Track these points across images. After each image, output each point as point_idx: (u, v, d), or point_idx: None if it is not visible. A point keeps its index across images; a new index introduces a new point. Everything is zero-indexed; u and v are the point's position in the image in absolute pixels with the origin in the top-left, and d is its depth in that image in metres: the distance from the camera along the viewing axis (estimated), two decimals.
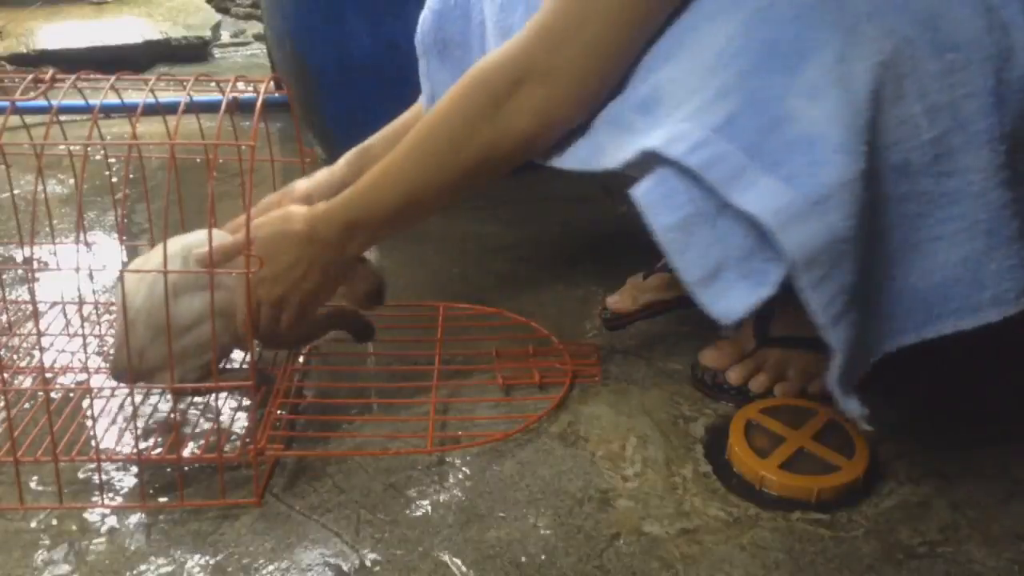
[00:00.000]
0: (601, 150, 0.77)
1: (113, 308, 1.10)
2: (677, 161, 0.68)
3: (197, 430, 0.90)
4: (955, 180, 0.67)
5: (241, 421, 0.92)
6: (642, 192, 0.70)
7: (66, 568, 0.73)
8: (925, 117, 0.66)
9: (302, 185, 1.02)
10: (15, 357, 1.01)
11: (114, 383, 0.93)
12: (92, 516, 0.79)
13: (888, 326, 0.70)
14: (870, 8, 0.67)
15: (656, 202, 0.70)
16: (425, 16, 1.01)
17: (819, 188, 0.63)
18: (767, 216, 0.64)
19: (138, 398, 0.93)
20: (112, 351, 0.84)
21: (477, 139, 0.79)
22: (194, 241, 0.85)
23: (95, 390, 0.95)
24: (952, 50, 0.66)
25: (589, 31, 0.74)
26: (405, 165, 0.82)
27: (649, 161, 0.71)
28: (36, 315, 0.85)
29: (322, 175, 1.05)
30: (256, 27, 2.65)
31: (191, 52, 2.39)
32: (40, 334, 0.97)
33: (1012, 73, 0.67)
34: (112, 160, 1.46)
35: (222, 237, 0.84)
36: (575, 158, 0.80)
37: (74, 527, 0.78)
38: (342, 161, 1.07)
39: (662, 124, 0.71)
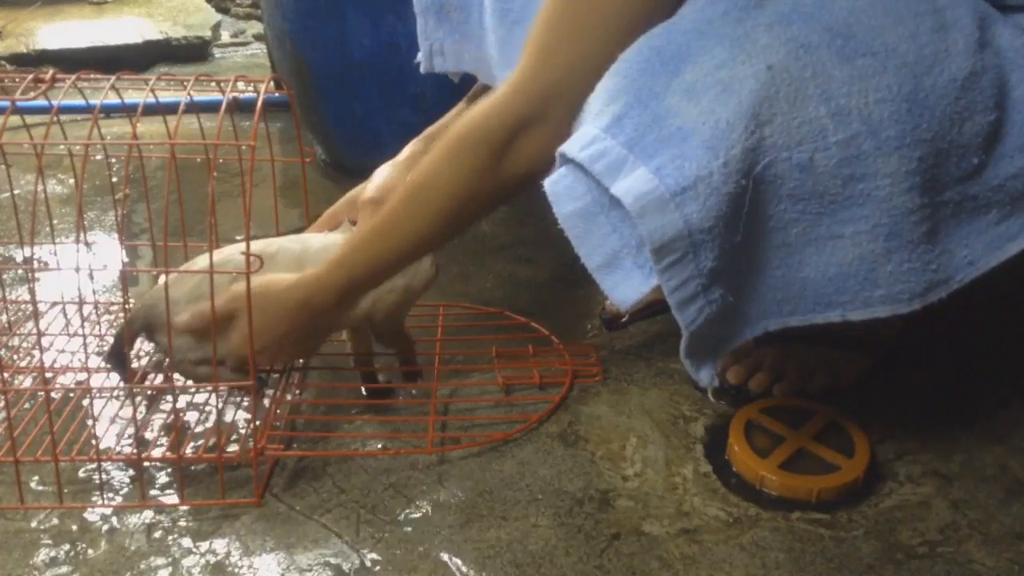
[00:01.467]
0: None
1: (113, 308, 1.10)
2: (572, 158, 0.71)
3: (197, 430, 0.90)
4: (863, 184, 0.68)
5: (241, 421, 0.92)
6: (549, 183, 0.73)
7: (66, 568, 0.73)
8: (831, 120, 0.67)
9: (369, 191, 1.02)
10: (15, 357, 1.01)
11: (114, 383, 0.93)
12: (92, 516, 0.79)
13: (776, 308, 0.73)
14: (773, 19, 0.69)
15: (560, 192, 0.72)
16: None
17: (680, 180, 0.66)
18: (629, 202, 0.66)
19: (138, 399, 0.93)
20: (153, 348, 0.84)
21: (480, 192, 0.80)
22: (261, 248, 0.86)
23: (95, 390, 0.95)
24: (865, 55, 0.67)
25: (579, 51, 0.75)
26: (406, 224, 0.82)
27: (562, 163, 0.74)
28: (36, 315, 0.85)
29: (385, 175, 1.04)
30: (256, 27, 2.65)
31: (191, 52, 2.39)
32: (40, 334, 0.97)
33: (939, 78, 0.68)
34: (112, 160, 1.46)
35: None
36: None
37: (74, 527, 0.78)
38: (405, 154, 1.07)
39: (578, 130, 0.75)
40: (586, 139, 0.70)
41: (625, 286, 0.71)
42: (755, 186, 0.67)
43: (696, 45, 0.70)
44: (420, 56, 1.07)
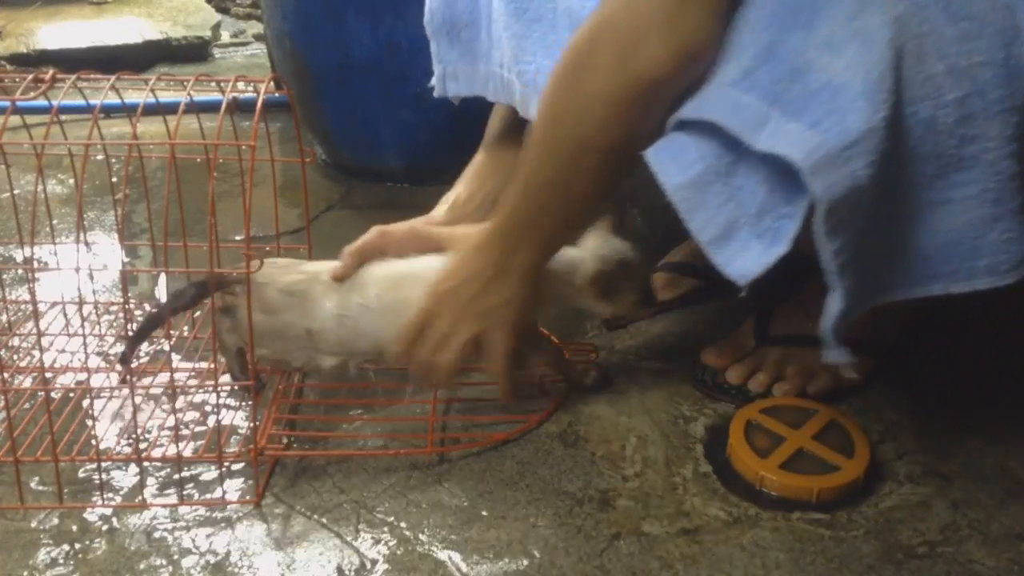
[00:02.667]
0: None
1: (113, 308, 1.10)
2: (694, 119, 0.68)
3: (197, 430, 0.90)
4: (974, 145, 0.66)
5: (241, 421, 0.92)
6: (653, 153, 0.70)
7: (66, 568, 0.73)
8: (948, 77, 0.65)
9: (440, 210, 1.00)
10: (15, 357, 1.01)
11: (114, 383, 0.93)
12: (92, 516, 0.79)
13: (883, 280, 0.70)
14: None
15: (666, 161, 0.69)
16: None
17: (846, 134, 0.63)
18: (799, 158, 0.63)
19: (138, 398, 0.93)
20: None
21: (613, 94, 0.72)
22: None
23: (95, 390, 0.95)
24: (966, 19, 0.66)
25: None
26: (540, 148, 0.77)
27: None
28: (36, 315, 0.85)
29: (455, 196, 1.02)
30: (256, 27, 2.65)
31: (191, 52, 2.39)
32: (40, 334, 0.97)
33: (1021, 49, 0.66)
34: (112, 160, 1.46)
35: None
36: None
37: (74, 527, 0.78)
38: (456, 197, 1.03)
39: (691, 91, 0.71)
40: (709, 96, 0.67)
41: (742, 259, 0.68)
42: (889, 153, 0.65)
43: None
44: (434, 80, 1.04)
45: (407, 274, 0.85)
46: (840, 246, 0.65)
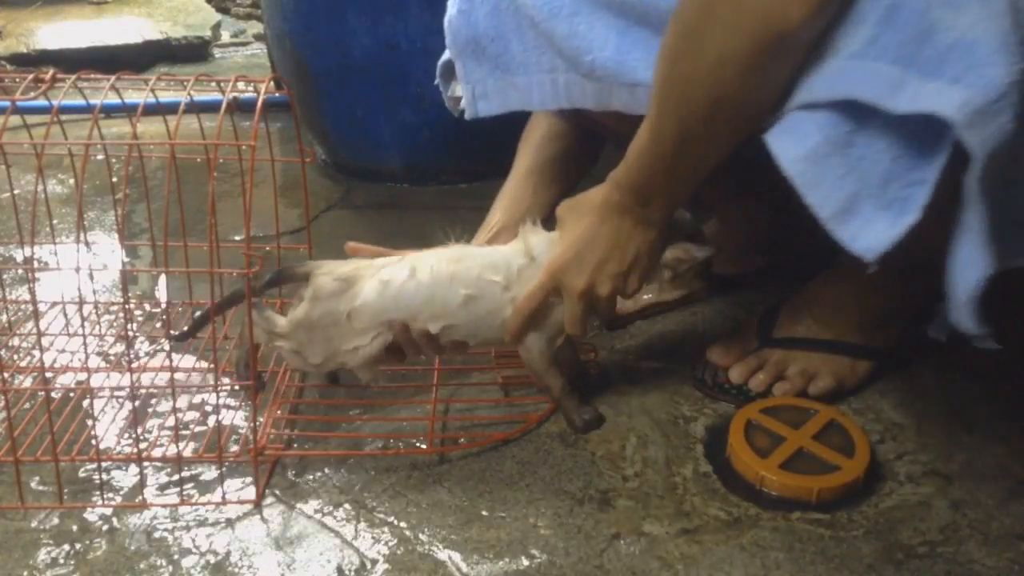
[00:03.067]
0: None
1: (113, 308, 1.10)
2: (820, 100, 0.66)
3: (197, 430, 0.90)
4: None
5: (241, 421, 0.92)
6: (771, 132, 0.69)
7: (66, 568, 0.73)
8: None
9: (495, 217, 1.01)
10: (15, 357, 1.01)
11: (114, 383, 0.93)
12: (92, 516, 0.79)
13: (1006, 246, 0.67)
14: None
15: (781, 136, 0.68)
16: (452, 18, 0.93)
17: (992, 88, 0.60)
18: (951, 112, 0.60)
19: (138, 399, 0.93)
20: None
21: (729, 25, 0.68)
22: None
23: (95, 390, 0.95)
24: None
25: None
26: (666, 110, 0.75)
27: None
28: (36, 315, 0.85)
29: (504, 203, 1.02)
30: (256, 27, 2.65)
31: (191, 52, 2.39)
32: (40, 334, 0.97)
33: None
34: (112, 160, 1.46)
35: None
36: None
37: (74, 527, 0.78)
38: (515, 179, 1.03)
39: (804, 69, 0.69)
40: (838, 71, 0.65)
41: (868, 234, 0.65)
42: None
43: None
44: (463, 103, 0.97)
45: (466, 253, 0.86)
46: (990, 203, 0.62)
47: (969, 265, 0.63)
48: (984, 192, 0.62)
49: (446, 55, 0.96)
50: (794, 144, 0.68)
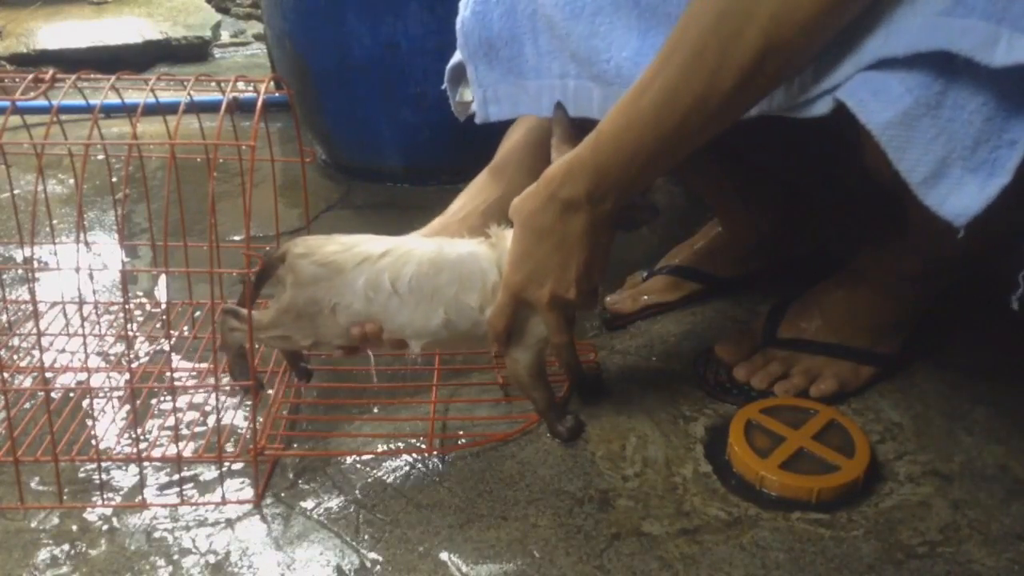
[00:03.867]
0: (778, 91, 0.72)
1: (113, 308, 1.10)
2: (906, 55, 0.64)
3: (197, 430, 0.90)
4: None
5: (241, 421, 0.92)
6: (849, 92, 0.67)
7: (66, 568, 0.73)
8: None
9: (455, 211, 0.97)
10: (15, 357, 1.01)
11: (113, 383, 0.93)
12: (92, 516, 0.79)
13: None
14: None
15: (868, 99, 0.66)
16: (465, 20, 0.90)
17: None
18: None
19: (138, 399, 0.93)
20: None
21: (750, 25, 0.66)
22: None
23: (95, 390, 0.95)
24: None
25: None
26: (658, 82, 0.70)
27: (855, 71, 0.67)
28: (36, 315, 0.85)
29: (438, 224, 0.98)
30: (256, 27, 2.65)
31: (191, 52, 2.39)
32: (40, 334, 0.97)
33: None
34: (112, 160, 1.46)
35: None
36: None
37: (74, 527, 0.78)
38: (483, 179, 1.00)
39: (858, 33, 0.67)
40: (925, 27, 0.63)
41: (957, 197, 0.64)
42: None
43: None
44: (474, 106, 0.93)
45: (445, 261, 0.83)
46: None
47: None
48: None
49: (455, 59, 0.94)
50: (884, 107, 0.65)
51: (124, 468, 0.85)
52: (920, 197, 0.66)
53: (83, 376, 0.96)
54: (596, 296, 0.86)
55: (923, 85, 0.65)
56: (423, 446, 0.87)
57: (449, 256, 0.83)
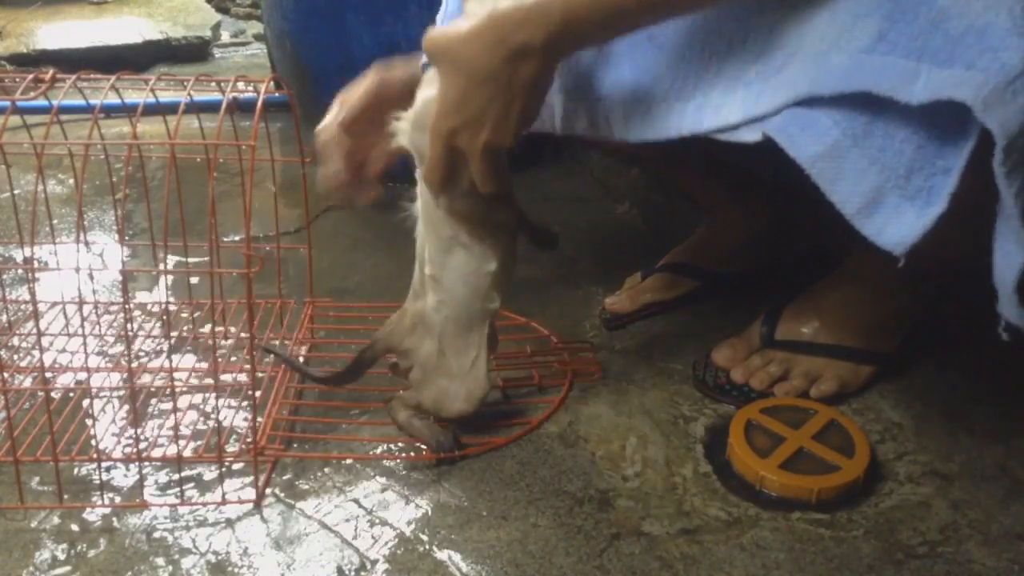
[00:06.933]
0: (708, 111, 0.73)
1: (113, 308, 1.10)
2: (831, 95, 0.65)
3: (197, 430, 0.90)
4: None
5: (241, 421, 0.92)
6: (777, 129, 0.68)
7: (66, 568, 0.73)
8: None
9: (338, 117, 0.95)
10: (15, 357, 1.01)
11: (113, 383, 0.93)
12: (92, 516, 0.79)
13: None
14: None
15: (796, 134, 0.67)
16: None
17: (1007, 68, 0.60)
18: (968, 96, 0.59)
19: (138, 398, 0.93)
20: None
21: None
22: None
23: (95, 390, 0.95)
24: None
25: None
26: None
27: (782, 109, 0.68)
28: (36, 315, 0.85)
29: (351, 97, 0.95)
30: (256, 27, 2.65)
31: (191, 52, 2.39)
32: (40, 334, 0.97)
33: None
34: (112, 160, 1.46)
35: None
36: (670, 125, 0.75)
37: (74, 527, 0.78)
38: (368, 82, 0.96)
39: (787, 67, 0.68)
40: (846, 65, 0.64)
41: (895, 226, 0.64)
42: None
43: None
44: None
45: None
46: (1019, 189, 0.60)
47: (1007, 255, 0.61)
48: (1014, 174, 0.60)
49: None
50: (812, 141, 0.66)
51: (124, 468, 0.85)
52: (857, 227, 0.66)
53: (83, 376, 0.96)
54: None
55: (850, 117, 0.65)
56: (423, 446, 0.87)
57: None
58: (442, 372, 0.86)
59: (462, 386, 0.85)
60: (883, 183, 0.64)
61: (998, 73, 0.60)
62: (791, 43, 0.70)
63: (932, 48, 0.62)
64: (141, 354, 1.03)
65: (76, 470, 0.84)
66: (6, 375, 0.90)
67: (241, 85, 0.88)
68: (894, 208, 0.64)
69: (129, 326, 0.92)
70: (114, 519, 0.79)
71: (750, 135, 0.71)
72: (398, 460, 0.86)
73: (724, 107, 0.73)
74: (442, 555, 0.74)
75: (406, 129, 0.81)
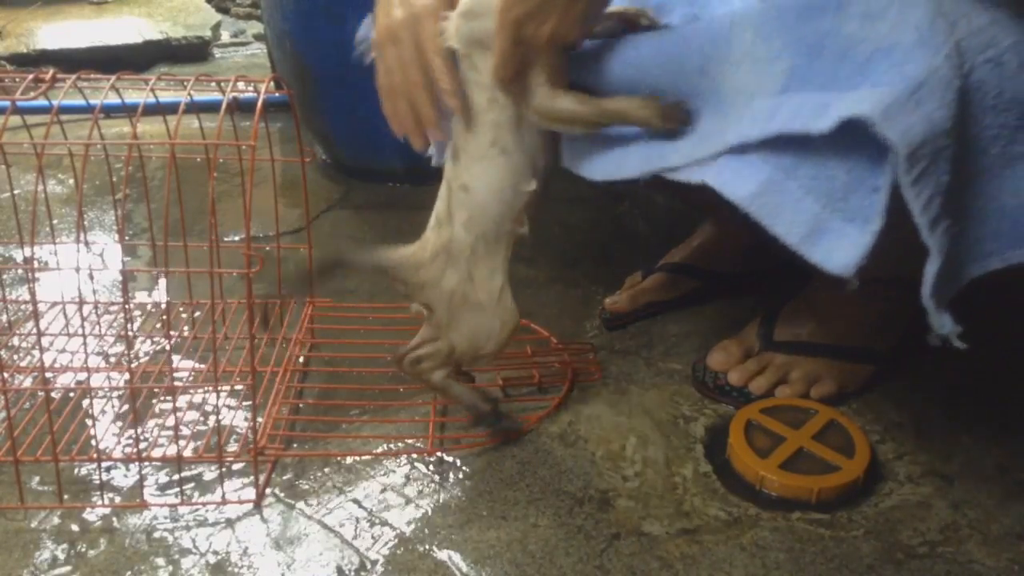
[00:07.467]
0: (654, 156, 0.75)
1: (113, 308, 1.10)
2: (757, 140, 0.67)
3: (197, 430, 0.90)
4: None
5: (241, 421, 0.92)
6: (713, 174, 0.69)
7: (66, 568, 0.73)
8: (995, 27, 0.64)
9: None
10: (15, 357, 1.01)
11: (113, 383, 0.93)
12: (92, 516, 0.79)
13: (978, 248, 0.67)
14: None
15: (729, 178, 0.68)
16: None
17: (909, 79, 0.61)
18: (867, 110, 0.60)
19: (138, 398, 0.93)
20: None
21: None
22: None
23: (95, 390, 0.95)
24: None
25: None
26: None
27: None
28: (36, 315, 0.85)
29: None
30: (256, 27, 2.65)
31: (191, 52, 2.39)
32: (40, 334, 0.97)
33: None
34: (112, 160, 1.46)
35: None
36: (627, 165, 0.77)
37: (74, 527, 0.78)
38: None
39: (715, 118, 0.70)
40: (766, 108, 0.66)
41: (841, 249, 0.64)
42: (961, 97, 0.62)
43: None
44: (431, 149, 0.96)
45: None
46: (929, 198, 0.62)
47: (930, 265, 0.63)
48: (920, 185, 0.61)
49: None
50: (746, 181, 0.67)
51: (124, 468, 0.85)
52: (805, 255, 0.66)
53: (83, 376, 0.96)
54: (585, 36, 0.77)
55: (779, 154, 0.66)
56: (423, 446, 0.87)
57: None
58: (470, 306, 0.83)
59: (495, 318, 0.83)
60: (822, 209, 0.65)
61: (900, 85, 0.61)
62: (721, 94, 0.71)
63: (840, 77, 0.64)
64: (141, 354, 1.03)
65: (76, 470, 0.84)
66: (6, 375, 0.90)
67: (241, 85, 0.88)
68: (838, 232, 0.65)
69: (129, 326, 0.92)
70: (114, 519, 0.79)
71: (693, 177, 0.72)
72: (398, 460, 0.86)
73: (668, 153, 0.74)
74: (442, 555, 0.74)
75: (456, 23, 0.77)
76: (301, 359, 1.02)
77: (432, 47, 0.78)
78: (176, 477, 0.83)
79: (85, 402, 0.93)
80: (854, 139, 0.63)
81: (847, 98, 0.63)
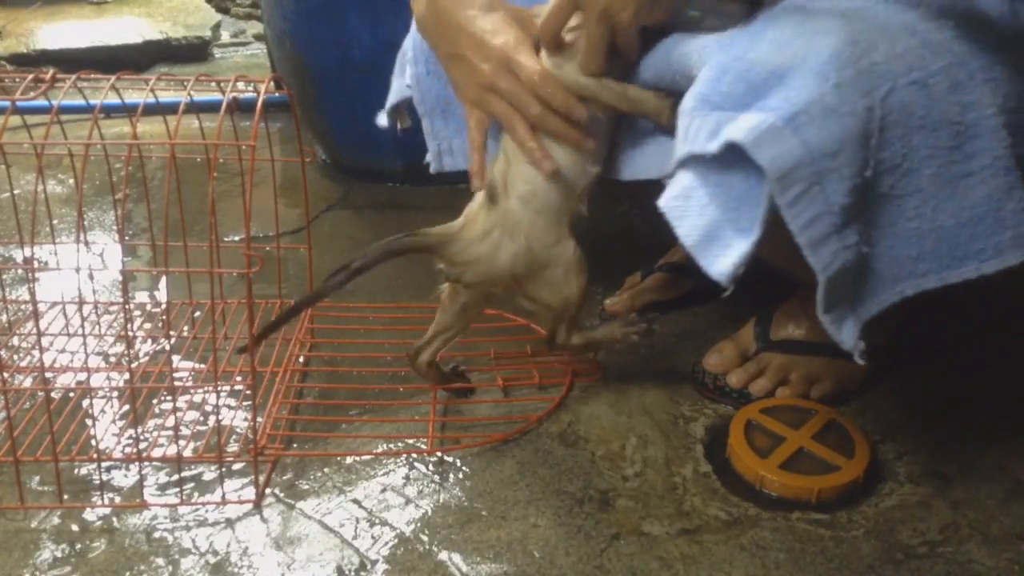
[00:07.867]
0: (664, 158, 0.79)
1: (113, 308, 1.10)
2: (685, 156, 0.70)
3: (197, 430, 0.90)
4: (974, 112, 0.66)
5: (241, 421, 0.92)
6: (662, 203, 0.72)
7: (66, 568, 0.73)
8: (924, 49, 0.66)
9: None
10: (15, 357, 1.01)
11: (113, 383, 0.93)
12: (92, 516, 0.79)
13: (912, 266, 0.69)
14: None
15: (671, 186, 0.72)
16: (421, 76, 0.96)
17: (790, 108, 0.64)
18: (740, 136, 0.64)
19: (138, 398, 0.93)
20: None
21: None
22: None
23: (95, 390, 0.95)
24: (917, 7, 0.69)
25: None
26: None
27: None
28: (36, 315, 0.85)
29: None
30: (256, 27, 2.65)
31: (191, 52, 2.39)
32: (40, 334, 0.97)
33: (985, 28, 0.69)
34: (112, 160, 1.46)
35: None
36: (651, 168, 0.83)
37: (74, 527, 0.78)
38: None
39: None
40: (682, 128, 0.70)
41: (723, 258, 0.67)
42: (883, 117, 0.65)
43: (767, 22, 0.70)
44: (429, 156, 1.01)
45: None
46: (811, 219, 0.65)
47: (819, 285, 0.67)
48: (798, 207, 0.64)
49: (394, 97, 1.01)
50: (671, 188, 0.71)
51: (124, 468, 0.85)
52: (695, 259, 0.69)
53: (83, 376, 0.96)
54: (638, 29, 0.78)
55: (699, 160, 0.69)
56: (423, 446, 0.87)
57: None
58: (539, 265, 0.85)
59: (568, 267, 0.86)
60: (719, 217, 0.68)
61: (781, 110, 0.64)
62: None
63: (735, 96, 0.67)
64: (141, 354, 1.03)
65: (76, 470, 0.84)
66: (6, 375, 0.90)
67: (241, 85, 0.88)
68: (726, 242, 0.68)
69: (129, 326, 0.92)
70: (114, 519, 0.79)
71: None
72: (398, 460, 0.86)
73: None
74: (442, 555, 0.74)
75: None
76: (301, 359, 1.02)
77: (540, 82, 0.80)
78: (176, 477, 0.83)
79: (85, 402, 0.93)
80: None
81: (736, 121, 0.65)
